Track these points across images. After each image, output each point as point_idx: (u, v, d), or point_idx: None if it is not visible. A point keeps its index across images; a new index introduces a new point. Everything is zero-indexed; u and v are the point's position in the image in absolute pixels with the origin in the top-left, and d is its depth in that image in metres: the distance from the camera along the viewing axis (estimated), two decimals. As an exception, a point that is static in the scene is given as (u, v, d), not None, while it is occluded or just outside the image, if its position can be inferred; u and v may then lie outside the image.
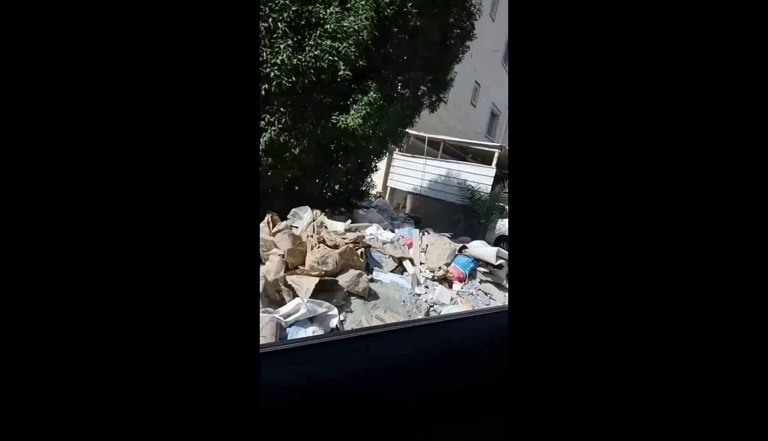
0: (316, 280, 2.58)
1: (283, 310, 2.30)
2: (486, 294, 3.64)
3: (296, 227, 3.54)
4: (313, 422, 0.46)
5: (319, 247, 2.95)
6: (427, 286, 3.36)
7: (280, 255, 2.87)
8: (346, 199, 4.80)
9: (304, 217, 3.57)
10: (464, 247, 3.98)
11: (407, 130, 5.04)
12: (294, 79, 3.29)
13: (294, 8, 3.25)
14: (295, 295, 2.52)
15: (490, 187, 6.51)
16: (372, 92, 3.58)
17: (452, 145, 7.85)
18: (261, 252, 2.92)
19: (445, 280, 3.57)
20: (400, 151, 7.97)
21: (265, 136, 3.41)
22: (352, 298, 2.79)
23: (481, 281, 3.83)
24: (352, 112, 3.60)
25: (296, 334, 2.17)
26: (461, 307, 3.21)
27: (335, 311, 2.43)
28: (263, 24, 3.18)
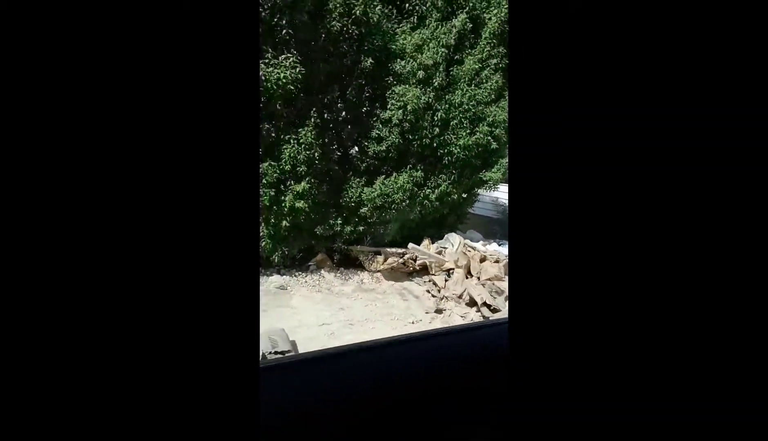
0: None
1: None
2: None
3: (445, 248, 5.92)
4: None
5: (483, 261, 5.40)
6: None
7: (458, 267, 5.28)
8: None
9: (455, 243, 5.98)
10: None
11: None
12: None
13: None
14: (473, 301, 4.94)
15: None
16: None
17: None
18: (433, 265, 5.28)
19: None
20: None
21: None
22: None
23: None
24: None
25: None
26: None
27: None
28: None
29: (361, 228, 5.27)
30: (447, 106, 5.15)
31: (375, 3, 4.56)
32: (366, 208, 5.07)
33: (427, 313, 4.93)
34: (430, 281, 5.50)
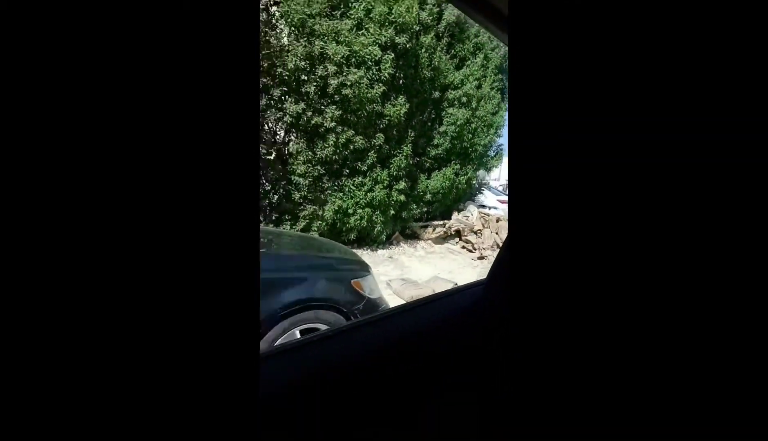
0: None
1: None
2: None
3: (467, 216, 8.41)
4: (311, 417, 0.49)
5: (498, 221, 8.05)
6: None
7: (485, 228, 7.85)
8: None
9: (473, 212, 8.52)
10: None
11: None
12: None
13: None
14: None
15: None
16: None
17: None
18: (465, 229, 7.84)
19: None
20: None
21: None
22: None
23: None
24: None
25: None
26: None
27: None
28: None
29: (425, 210, 7.45)
30: (476, 119, 7.55)
31: (441, 55, 6.66)
32: (429, 196, 7.25)
33: (472, 260, 7.41)
34: (466, 241, 7.96)
